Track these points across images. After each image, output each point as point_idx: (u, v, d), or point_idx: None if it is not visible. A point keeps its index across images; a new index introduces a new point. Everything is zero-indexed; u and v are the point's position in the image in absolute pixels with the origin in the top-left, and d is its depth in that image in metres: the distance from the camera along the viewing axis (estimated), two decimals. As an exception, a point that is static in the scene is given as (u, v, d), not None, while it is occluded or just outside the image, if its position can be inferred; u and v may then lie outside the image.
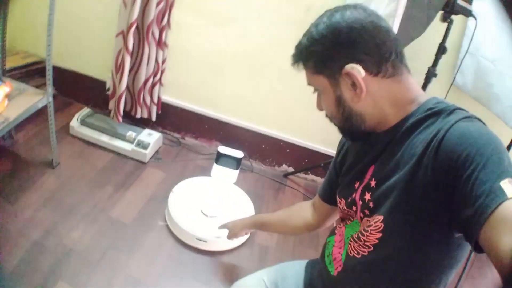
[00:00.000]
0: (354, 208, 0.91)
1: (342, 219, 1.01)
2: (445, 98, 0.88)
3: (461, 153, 0.64)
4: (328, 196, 1.12)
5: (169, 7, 2.12)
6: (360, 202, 0.87)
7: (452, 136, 0.68)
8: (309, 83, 0.87)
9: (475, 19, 1.62)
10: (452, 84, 1.79)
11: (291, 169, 2.50)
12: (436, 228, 0.72)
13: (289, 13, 2.05)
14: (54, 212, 1.80)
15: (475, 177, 0.60)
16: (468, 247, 0.78)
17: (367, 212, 0.85)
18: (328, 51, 0.79)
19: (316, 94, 0.90)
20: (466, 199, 0.61)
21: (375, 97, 0.80)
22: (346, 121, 0.84)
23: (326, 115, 0.90)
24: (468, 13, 1.61)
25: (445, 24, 1.66)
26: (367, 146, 0.89)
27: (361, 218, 0.88)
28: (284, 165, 2.51)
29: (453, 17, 1.63)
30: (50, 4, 1.58)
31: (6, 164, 2.01)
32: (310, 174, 2.48)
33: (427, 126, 0.75)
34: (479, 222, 0.57)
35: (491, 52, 1.72)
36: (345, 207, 0.95)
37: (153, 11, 2.06)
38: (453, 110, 0.75)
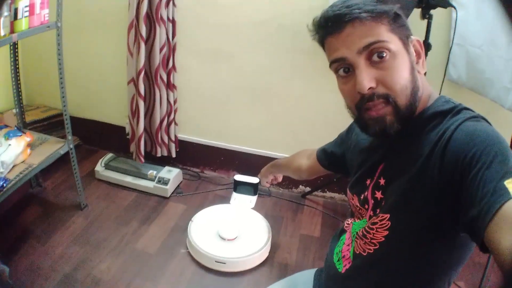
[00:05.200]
0: (366, 206, 0.91)
1: (352, 215, 1.02)
2: (439, 93, 0.84)
3: (467, 153, 0.65)
4: (323, 160, 1.21)
5: (171, 51, 2.32)
6: (372, 201, 0.88)
7: (459, 136, 0.69)
8: (378, 43, 0.74)
9: (455, 8, 1.63)
10: (444, 79, 1.79)
11: (308, 189, 2.55)
12: (441, 227, 0.74)
13: (278, 41, 2.17)
14: (83, 248, 1.94)
15: (481, 177, 0.62)
16: (473, 246, 0.80)
17: (378, 211, 0.85)
18: (401, 13, 0.77)
19: (361, 69, 0.75)
20: (472, 199, 0.62)
21: (421, 75, 0.81)
22: (412, 96, 0.77)
23: (381, 94, 0.75)
24: (445, 4, 1.59)
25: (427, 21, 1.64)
26: (377, 143, 0.91)
27: (370, 217, 0.88)
28: (301, 186, 2.57)
29: (435, 11, 1.61)
30: (58, 59, 1.78)
31: (36, 209, 2.19)
32: (327, 192, 2.52)
33: (434, 125, 0.76)
34: (484, 221, 0.59)
35: (477, 38, 1.70)
36: (358, 204, 0.94)
37: (157, 57, 2.26)
38: (460, 109, 0.76)
